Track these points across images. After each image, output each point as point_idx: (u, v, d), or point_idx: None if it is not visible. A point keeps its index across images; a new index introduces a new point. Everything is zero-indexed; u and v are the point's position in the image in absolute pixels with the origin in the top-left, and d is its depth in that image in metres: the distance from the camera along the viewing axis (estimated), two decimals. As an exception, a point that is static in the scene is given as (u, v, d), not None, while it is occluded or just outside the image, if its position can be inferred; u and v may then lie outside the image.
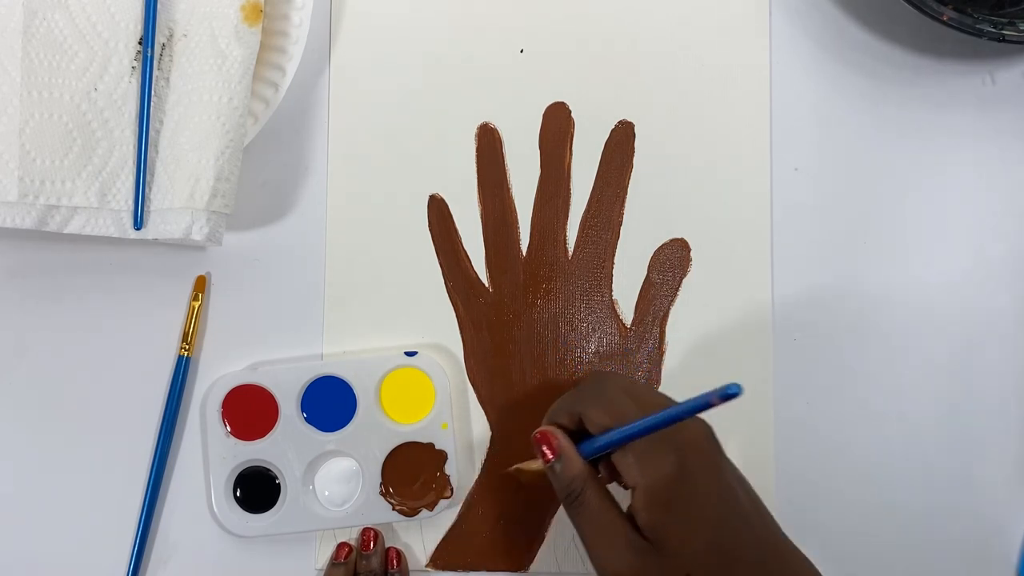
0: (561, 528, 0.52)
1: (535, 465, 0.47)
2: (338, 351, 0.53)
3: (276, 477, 0.52)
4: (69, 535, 0.52)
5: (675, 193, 0.53)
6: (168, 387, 0.52)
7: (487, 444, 0.53)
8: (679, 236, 0.53)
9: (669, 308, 0.53)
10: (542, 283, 0.53)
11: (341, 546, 0.51)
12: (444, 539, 0.52)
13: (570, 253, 0.53)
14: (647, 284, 0.53)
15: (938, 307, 0.53)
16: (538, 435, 0.44)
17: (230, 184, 0.49)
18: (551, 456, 0.43)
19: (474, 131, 0.53)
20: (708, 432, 0.43)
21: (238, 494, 0.52)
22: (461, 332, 0.53)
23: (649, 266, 0.53)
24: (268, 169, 0.53)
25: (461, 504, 0.52)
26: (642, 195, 0.53)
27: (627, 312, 0.53)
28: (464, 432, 0.53)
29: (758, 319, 0.53)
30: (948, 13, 0.49)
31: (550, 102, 0.53)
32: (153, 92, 0.49)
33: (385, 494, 0.51)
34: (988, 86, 0.53)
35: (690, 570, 0.40)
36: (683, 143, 0.53)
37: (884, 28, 0.53)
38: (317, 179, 0.53)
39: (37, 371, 0.53)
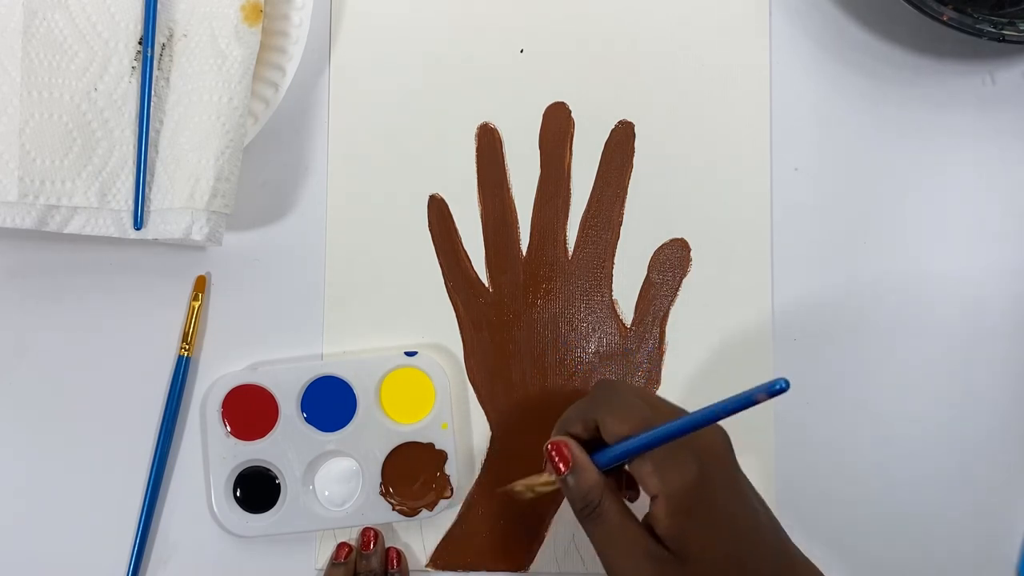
0: (561, 528, 0.52)
1: (541, 479, 0.45)
2: (338, 351, 0.53)
3: (276, 477, 0.52)
4: (69, 535, 0.52)
5: (675, 193, 0.53)
6: (168, 387, 0.52)
7: (487, 444, 0.53)
8: (679, 236, 0.53)
9: (669, 308, 0.53)
10: (542, 283, 0.53)
11: (341, 546, 0.51)
12: (444, 539, 0.52)
13: (570, 253, 0.53)
14: (647, 284, 0.53)
15: (938, 307, 0.53)
16: (551, 446, 0.43)
17: (230, 184, 0.49)
18: (564, 468, 0.42)
19: (474, 131, 0.53)
20: (726, 440, 0.42)
21: (238, 494, 0.52)
22: (461, 332, 0.53)
23: (649, 266, 0.53)
24: (268, 169, 0.53)
25: (461, 504, 0.52)
26: (642, 195, 0.53)
27: (627, 312, 0.53)
28: (464, 432, 0.53)
29: (758, 319, 0.53)
30: (948, 13, 0.49)
31: (550, 102, 0.53)
32: (153, 92, 0.49)
33: (385, 494, 0.51)
34: (988, 86, 0.53)
35: None
36: (683, 143, 0.53)
37: (884, 28, 0.53)
38: (317, 179, 0.53)
39: (37, 371, 0.53)
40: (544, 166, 0.53)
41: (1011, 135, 0.53)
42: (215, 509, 0.51)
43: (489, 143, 0.53)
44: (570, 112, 0.53)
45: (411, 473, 0.51)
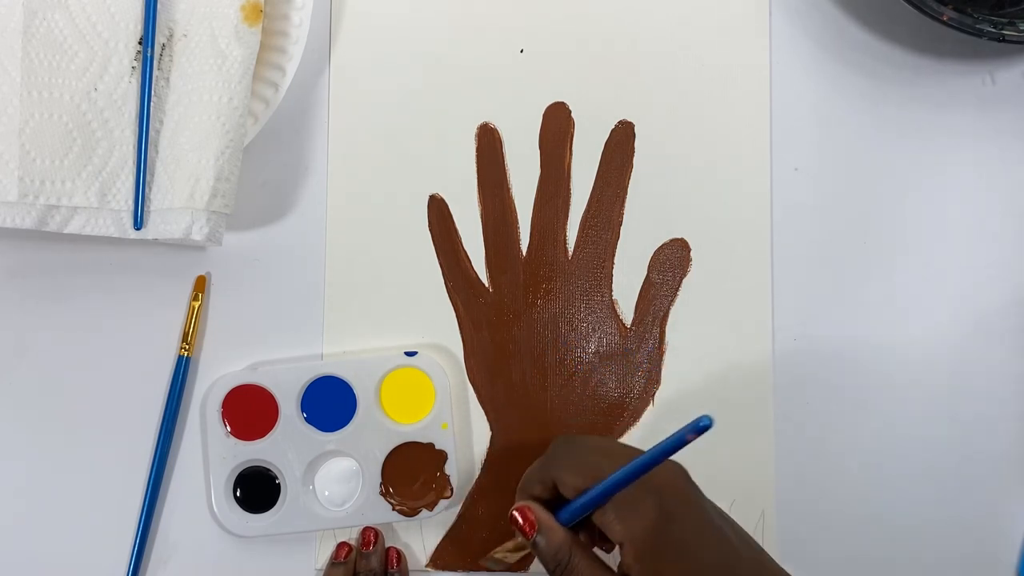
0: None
1: (514, 544, 0.46)
2: (338, 351, 0.53)
3: (276, 477, 0.52)
4: (69, 535, 0.52)
5: (675, 193, 0.53)
6: (168, 387, 0.52)
7: (487, 444, 0.53)
8: (679, 236, 0.53)
9: (669, 308, 0.53)
10: (542, 283, 0.53)
11: (341, 546, 0.51)
12: (444, 539, 0.52)
13: (570, 253, 0.53)
14: (647, 284, 0.53)
15: (938, 307, 0.53)
16: (514, 512, 0.43)
17: (230, 184, 0.49)
18: (531, 532, 0.43)
19: (474, 131, 0.53)
20: (683, 473, 0.43)
21: (238, 494, 0.52)
22: (461, 332, 0.53)
23: (649, 266, 0.53)
24: (268, 169, 0.53)
25: (461, 504, 0.52)
26: (642, 195, 0.53)
27: (627, 312, 0.53)
28: (464, 432, 0.53)
29: (758, 319, 0.53)
30: (948, 13, 0.49)
31: (550, 102, 0.53)
32: (153, 92, 0.49)
33: (385, 494, 0.51)
34: (988, 86, 0.53)
35: None
36: (683, 143, 0.53)
37: (884, 28, 0.53)
38: (317, 179, 0.53)
39: (37, 371, 0.53)
40: (544, 166, 0.53)
41: (1011, 135, 0.53)
42: (215, 509, 0.51)
43: (489, 143, 0.53)
44: (570, 112, 0.53)
45: (411, 473, 0.51)
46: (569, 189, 0.53)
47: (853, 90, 0.53)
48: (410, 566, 0.52)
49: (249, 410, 0.51)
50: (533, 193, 0.53)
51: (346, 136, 0.53)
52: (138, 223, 0.49)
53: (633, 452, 0.44)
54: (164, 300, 0.53)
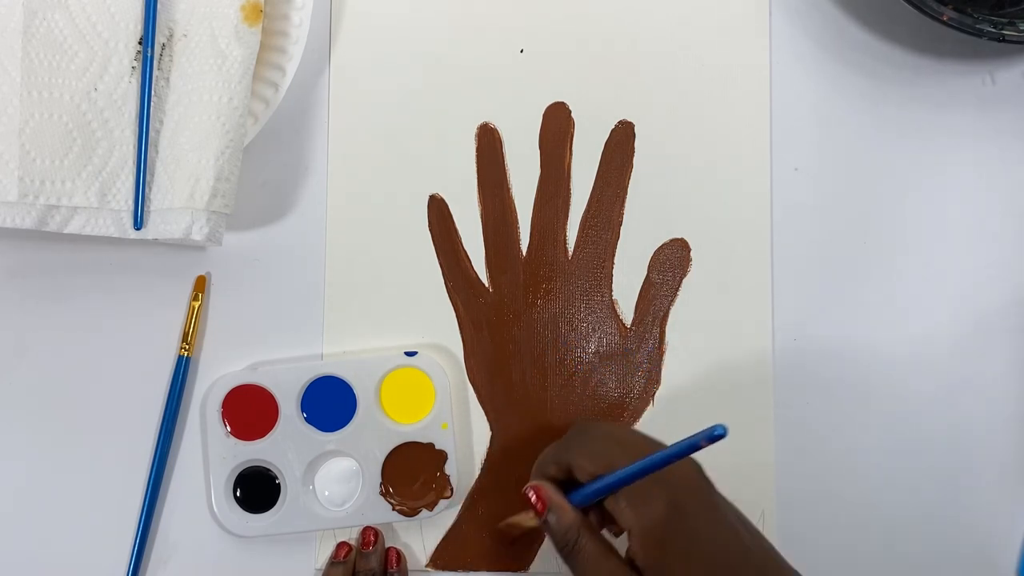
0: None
1: (528, 519, 0.47)
2: (338, 351, 0.53)
3: (276, 477, 0.52)
4: (69, 535, 0.52)
5: (675, 193, 0.53)
6: (168, 387, 0.52)
7: (487, 444, 0.53)
8: (679, 236, 0.53)
9: (669, 308, 0.53)
10: (542, 283, 0.53)
11: (341, 545, 0.51)
12: (444, 539, 0.52)
13: (570, 253, 0.53)
14: (647, 284, 0.53)
15: (938, 307, 0.53)
16: (528, 490, 0.45)
17: (230, 184, 0.49)
18: (542, 510, 0.44)
19: (474, 131, 0.53)
20: (698, 469, 0.44)
21: (238, 494, 0.52)
22: (461, 332, 0.53)
23: (649, 266, 0.53)
24: (268, 169, 0.53)
25: (461, 504, 0.52)
26: (642, 195, 0.53)
27: (627, 312, 0.53)
28: (464, 432, 0.53)
29: (758, 319, 0.53)
30: (948, 13, 0.49)
31: (550, 102, 0.53)
32: (153, 92, 0.49)
33: (385, 494, 0.51)
34: (988, 86, 0.53)
35: None
36: (683, 143, 0.53)
37: (884, 28, 0.53)
38: (317, 179, 0.53)
39: (37, 371, 0.53)
40: (544, 166, 0.53)
41: (1011, 135, 0.53)
42: (215, 509, 0.51)
43: (489, 143, 0.53)
44: (570, 112, 0.53)
45: (411, 473, 0.51)
46: (569, 189, 0.53)
47: (853, 90, 0.53)
48: (410, 566, 0.52)
49: (249, 410, 0.51)
50: (533, 193, 0.53)
51: (346, 136, 0.53)
52: (138, 223, 0.49)
53: (649, 444, 0.45)
54: (164, 300, 0.53)
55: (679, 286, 0.53)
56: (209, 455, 0.52)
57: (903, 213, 0.53)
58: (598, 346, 0.53)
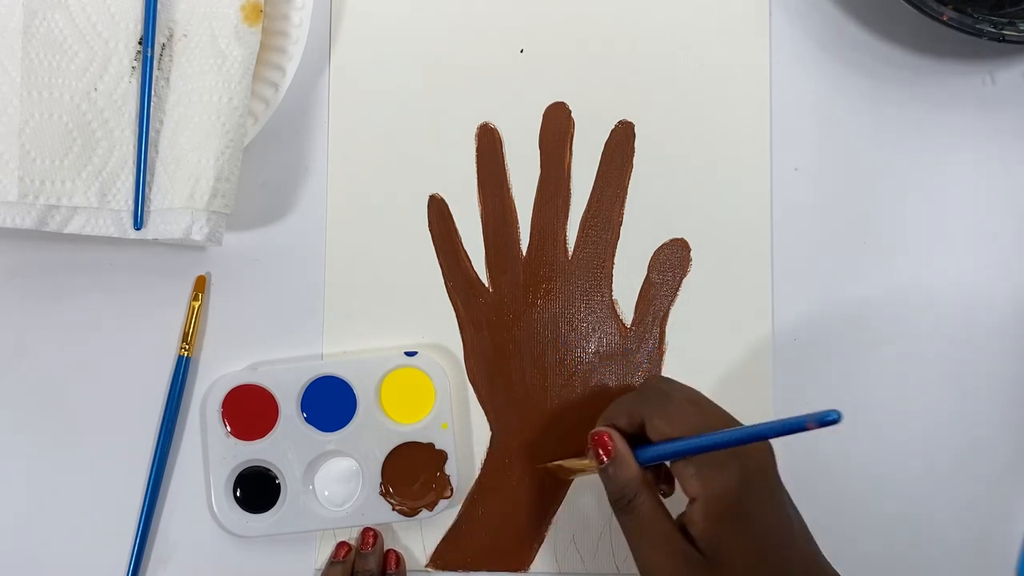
0: (561, 528, 0.52)
1: (582, 463, 0.46)
2: (338, 351, 0.53)
3: (276, 477, 0.52)
4: (69, 535, 0.52)
5: (675, 193, 0.53)
6: (168, 387, 0.52)
7: (487, 444, 0.53)
8: (679, 236, 0.53)
9: (669, 308, 0.53)
10: (542, 283, 0.53)
11: (340, 545, 0.51)
12: (444, 539, 0.52)
13: (570, 253, 0.53)
14: (647, 284, 0.53)
15: (938, 307, 0.53)
16: (594, 436, 0.44)
17: (230, 184, 0.49)
18: (606, 458, 0.43)
19: (474, 131, 0.53)
20: (770, 449, 0.43)
21: (238, 494, 0.52)
22: (461, 332, 0.53)
23: (649, 266, 0.53)
24: (268, 169, 0.53)
25: (461, 504, 0.52)
26: (642, 195, 0.53)
27: (627, 312, 0.53)
28: (464, 432, 0.53)
29: (758, 319, 0.53)
30: (948, 13, 0.49)
31: (550, 102, 0.53)
32: (153, 92, 0.49)
33: (385, 494, 0.51)
34: (988, 86, 0.53)
35: None
36: (683, 143, 0.53)
37: (884, 28, 0.53)
38: (317, 179, 0.53)
39: (37, 371, 0.53)
40: (544, 166, 0.53)
41: (1011, 135, 0.53)
42: (215, 509, 0.51)
43: (489, 143, 0.53)
44: (570, 112, 0.53)
45: (411, 473, 0.51)
46: (569, 189, 0.53)
47: (853, 90, 0.53)
48: (410, 566, 0.52)
49: (249, 410, 0.51)
50: (533, 193, 0.53)
51: (346, 136, 0.53)
52: (138, 223, 0.49)
53: (725, 415, 0.44)
54: (164, 300, 0.53)
55: (679, 286, 0.53)
56: (209, 455, 0.52)
57: (903, 213, 0.53)
58: (598, 346, 0.53)
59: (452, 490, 0.51)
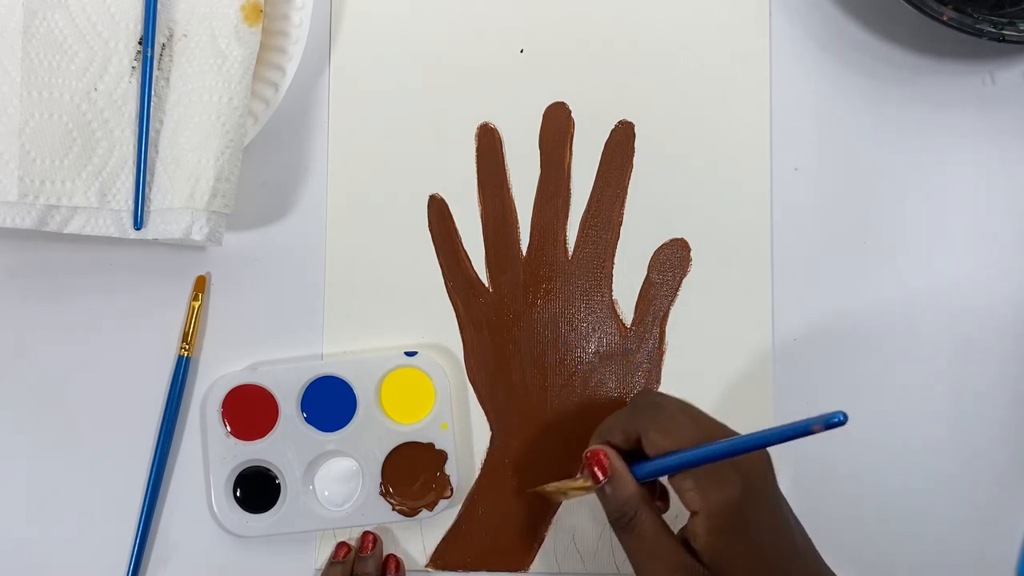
0: (561, 528, 0.52)
1: (576, 484, 0.45)
2: (338, 351, 0.53)
3: (276, 477, 0.52)
4: (69, 535, 0.52)
5: (675, 193, 0.53)
6: (168, 387, 0.52)
7: (487, 444, 0.53)
8: (679, 236, 0.53)
9: (669, 308, 0.53)
10: (542, 283, 0.53)
11: (340, 546, 0.51)
12: (444, 539, 0.52)
13: (570, 253, 0.53)
14: (647, 284, 0.53)
15: (938, 307, 0.53)
16: (589, 455, 0.43)
17: (230, 184, 0.49)
18: (603, 477, 0.43)
19: (474, 131, 0.53)
20: (769, 460, 0.43)
21: (238, 494, 0.52)
22: (461, 332, 0.53)
23: (649, 266, 0.53)
24: (268, 169, 0.53)
25: (461, 504, 0.52)
26: (642, 195, 0.53)
27: (627, 312, 0.53)
28: (464, 432, 0.53)
29: (758, 319, 0.53)
30: (948, 13, 0.49)
31: (550, 102, 0.53)
32: (153, 92, 0.49)
33: (385, 494, 0.51)
34: (988, 86, 0.53)
35: None
36: (683, 143, 0.53)
37: (884, 28, 0.53)
38: (317, 179, 0.53)
39: (37, 371, 0.53)
40: (544, 166, 0.53)
41: (1011, 135, 0.53)
42: (215, 509, 0.51)
43: (489, 143, 0.53)
44: (570, 112, 0.53)
45: (411, 473, 0.51)
46: (569, 189, 0.53)
47: (853, 90, 0.53)
48: (410, 566, 0.52)
49: (249, 410, 0.51)
50: (533, 193, 0.53)
51: (346, 136, 0.53)
52: (138, 223, 0.49)
53: (720, 426, 0.44)
54: (164, 300, 0.53)
55: (679, 286, 0.53)
56: (209, 455, 0.52)
57: (903, 213, 0.53)
58: (598, 346, 0.53)
59: (452, 490, 0.51)
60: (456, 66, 0.54)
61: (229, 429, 0.51)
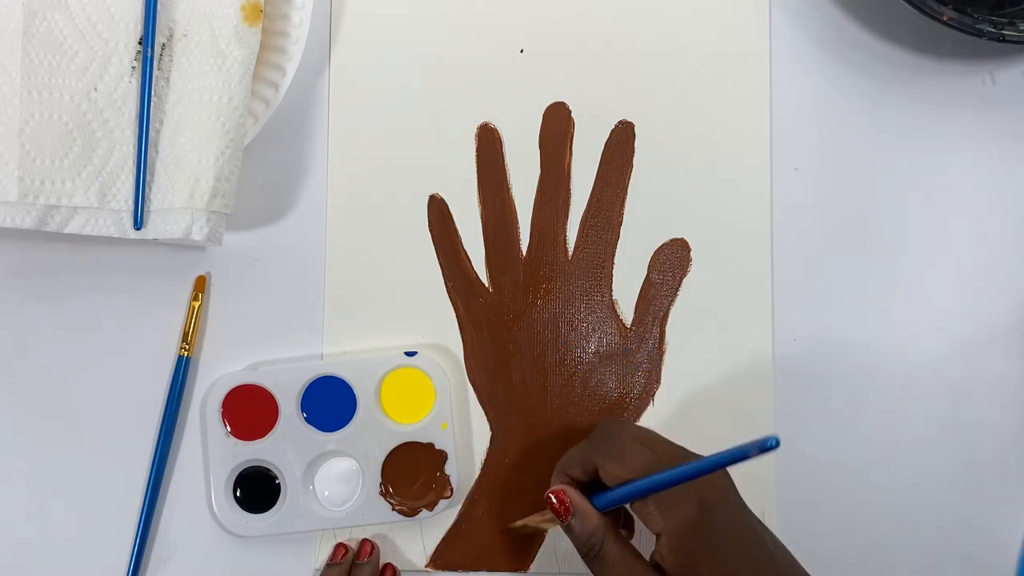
0: (561, 528, 0.52)
1: (544, 521, 0.47)
2: (338, 351, 0.53)
3: (276, 477, 0.52)
4: (69, 535, 0.52)
5: (675, 193, 0.53)
6: (168, 387, 0.52)
7: (487, 444, 0.53)
8: (679, 236, 0.53)
9: (669, 308, 0.53)
10: (542, 283, 0.53)
11: (338, 547, 0.51)
12: (444, 539, 0.52)
13: (570, 253, 0.53)
14: (647, 284, 0.53)
15: (938, 308, 0.53)
16: (550, 495, 0.44)
17: (230, 184, 0.49)
18: (565, 516, 0.44)
19: (474, 131, 0.53)
20: (725, 473, 0.44)
21: (238, 494, 0.52)
22: (461, 332, 0.53)
23: (649, 266, 0.53)
24: (268, 169, 0.53)
25: (461, 504, 0.52)
26: (642, 195, 0.53)
27: (627, 312, 0.53)
28: (464, 432, 0.53)
29: (758, 319, 0.53)
30: (948, 13, 0.49)
31: (550, 102, 0.53)
32: (153, 92, 0.49)
33: (385, 494, 0.51)
34: (988, 86, 0.53)
35: None
36: (683, 143, 0.53)
37: (884, 28, 0.53)
38: (317, 179, 0.53)
39: (37, 371, 0.53)
40: (544, 166, 0.53)
41: (1011, 135, 0.53)
42: (215, 509, 0.51)
43: (489, 143, 0.53)
44: (570, 112, 0.53)
45: (411, 473, 0.51)
46: (569, 189, 0.53)
47: (853, 90, 0.53)
48: (410, 566, 0.52)
49: (249, 410, 0.51)
50: (533, 193, 0.53)
51: (346, 136, 0.53)
52: (138, 223, 0.49)
53: (678, 450, 0.45)
54: (164, 300, 0.53)
55: (679, 286, 0.53)
56: (209, 455, 0.52)
57: (903, 213, 0.53)
58: (598, 346, 0.53)
59: (452, 490, 0.51)
60: (456, 66, 0.54)
61: (229, 429, 0.51)
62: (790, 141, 0.53)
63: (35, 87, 0.48)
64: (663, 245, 0.53)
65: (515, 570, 0.52)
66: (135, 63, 0.49)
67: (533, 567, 0.52)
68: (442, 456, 0.51)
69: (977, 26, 0.49)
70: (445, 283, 0.53)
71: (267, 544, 0.52)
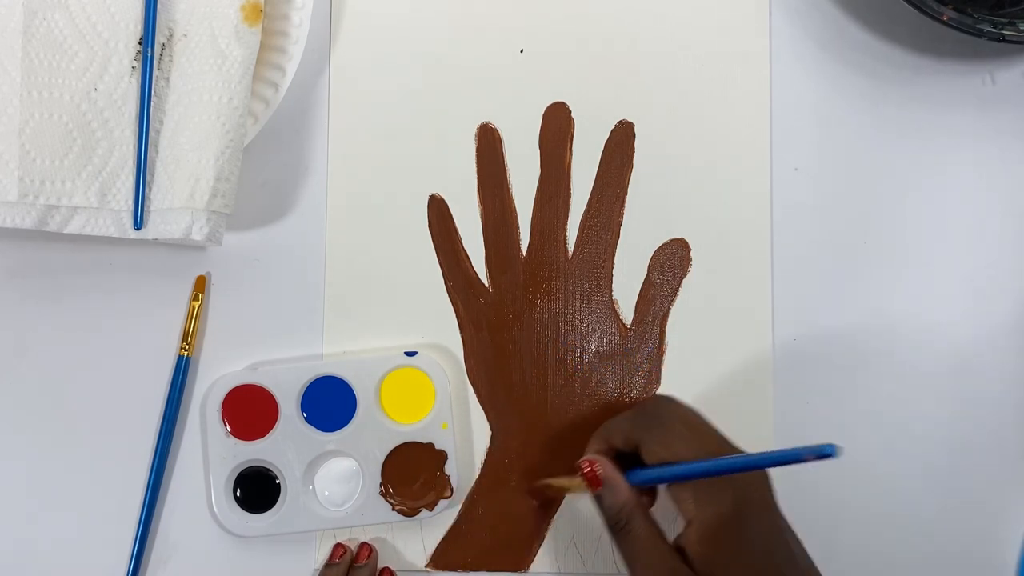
0: (561, 528, 0.52)
1: (574, 485, 0.46)
2: (338, 351, 0.53)
3: (276, 477, 0.52)
4: (69, 535, 0.52)
5: (675, 193, 0.53)
6: (168, 387, 0.52)
7: (487, 444, 0.53)
8: (679, 236, 0.53)
9: (669, 308, 0.53)
10: (542, 283, 0.53)
11: (336, 547, 0.51)
12: (444, 539, 0.52)
13: (570, 253, 0.53)
14: (647, 284, 0.53)
15: (938, 308, 0.53)
16: (584, 464, 0.44)
17: (230, 184, 0.49)
18: (596, 487, 0.43)
19: (474, 131, 0.53)
20: (766, 476, 0.43)
21: (238, 494, 0.52)
22: (461, 332, 0.53)
23: (649, 266, 0.53)
24: (268, 169, 0.53)
25: (461, 504, 0.52)
26: (642, 195, 0.53)
27: (627, 312, 0.53)
28: (464, 432, 0.53)
29: (758, 319, 0.53)
30: (948, 13, 0.49)
31: (550, 102, 0.53)
32: (153, 92, 0.49)
33: (385, 494, 0.51)
34: (988, 86, 0.53)
35: None
36: (683, 143, 0.53)
37: (884, 28, 0.53)
38: (317, 179, 0.53)
39: (37, 371, 0.53)
40: (544, 166, 0.53)
41: (1011, 135, 0.53)
42: (215, 509, 0.51)
43: (489, 143, 0.53)
44: (570, 112, 0.53)
45: (411, 473, 0.51)
46: (569, 189, 0.53)
47: (853, 90, 0.53)
48: (410, 567, 0.52)
49: (249, 410, 0.51)
50: (533, 193, 0.53)
51: (346, 136, 0.53)
52: (138, 223, 0.49)
53: (722, 439, 0.44)
54: (164, 300, 0.53)
55: (679, 286, 0.53)
56: (209, 455, 0.52)
57: (903, 213, 0.53)
58: (598, 346, 0.53)
59: (452, 490, 0.51)
60: (456, 66, 0.54)
61: (229, 429, 0.51)
62: (790, 141, 0.53)
63: (35, 87, 0.48)
64: (663, 245, 0.53)
65: (515, 570, 0.52)
66: (135, 63, 0.49)
67: (533, 567, 0.52)
68: (442, 456, 0.51)
69: (977, 26, 0.49)
70: (445, 283, 0.53)
71: (267, 544, 0.52)
